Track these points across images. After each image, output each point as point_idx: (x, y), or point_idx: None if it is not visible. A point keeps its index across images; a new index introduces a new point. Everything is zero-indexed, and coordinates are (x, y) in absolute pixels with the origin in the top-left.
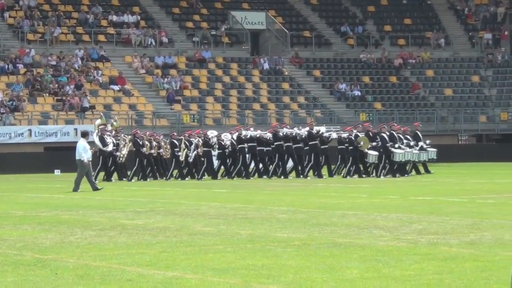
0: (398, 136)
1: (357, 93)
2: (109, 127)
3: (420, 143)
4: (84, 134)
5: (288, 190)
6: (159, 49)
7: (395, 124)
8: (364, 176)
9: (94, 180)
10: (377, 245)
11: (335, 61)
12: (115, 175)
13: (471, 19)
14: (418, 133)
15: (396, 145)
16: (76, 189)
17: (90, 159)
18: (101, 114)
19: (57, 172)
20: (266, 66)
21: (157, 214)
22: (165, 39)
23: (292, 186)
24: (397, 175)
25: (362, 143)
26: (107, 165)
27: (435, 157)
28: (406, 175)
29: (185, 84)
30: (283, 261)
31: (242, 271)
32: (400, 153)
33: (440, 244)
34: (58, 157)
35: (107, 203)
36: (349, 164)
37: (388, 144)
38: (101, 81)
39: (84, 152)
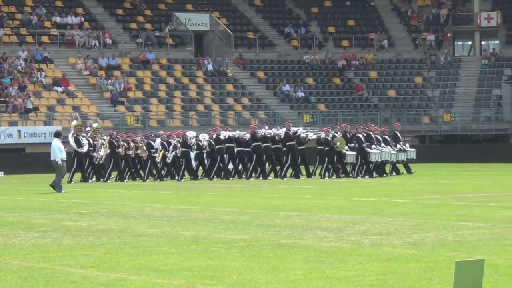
0: (376, 137)
1: (300, 94)
2: (88, 128)
3: (399, 144)
4: (58, 134)
5: (232, 191)
6: (103, 51)
7: (372, 125)
8: (342, 176)
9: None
10: (321, 246)
11: (278, 63)
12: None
13: (414, 20)
14: (398, 133)
15: (373, 146)
16: (59, 190)
17: (65, 159)
18: (77, 115)
19: (0, 173)
20: (210, 67)
21: (100, 215)
22: (109, 41)
23: (236, 187)
24: (374, 175)
25: (338, 143)
26: (83, 166)
27: (414, 157)
28: (384, 175)
29: (129, 85)
30: (227, 262)
31: (186, 272)
32: (376, 153)
33: (384, 245)
34: (1, 159)
35: (51, 205)
36: (325, 165)
37: (364, 145)
38: (44, 83)
39: (59, 152)
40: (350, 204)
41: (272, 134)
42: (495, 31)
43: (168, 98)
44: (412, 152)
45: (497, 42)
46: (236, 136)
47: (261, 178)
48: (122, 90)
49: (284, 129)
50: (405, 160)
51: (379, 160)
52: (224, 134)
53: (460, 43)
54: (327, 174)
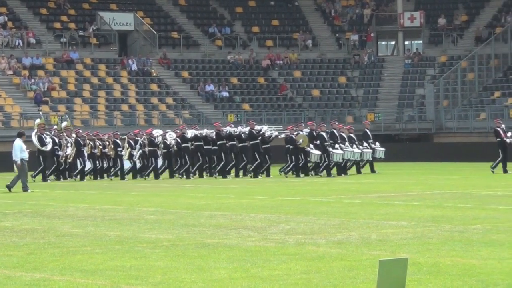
0: (341, 135)
1: (225, 94)
2: (55, 127)
3: (366, 142)
4: (21, 134)
5: (157, 191)
6: (26, 50)
7: (336, 123)
8: (302, 175)
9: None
10: (245, 246)
11: (203, 62)
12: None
13: (338, 20)
14: (367, 131)
15: (336, 145)
16: (26, 189)
17: (27, 159)
18: (41, 113)
19: None
20: (134, 67)
21: (24, 215)
22: (32, 40)
23: (161, 187)
24: (332, 175)
25: (301, 141)
26: (48, 164)
27: (383, 156)
28: (343, 175)
29: (53, 85)
30: (152, 262)
31: (110, 272)
32: (338, 153)
33: (308, 244)
34: None
35: None
36: (292, 164)
37: (327, 143)
38: None
39: (20, 152)
40: (274, 203)
41: (238, 132)
42: (418, 31)
43: (92, 98)
44: (381, 152)
45: (420, 42)
46: (204, 134)
47: (221, 177)
48: (46, 90)
49: (248, 128)
50: (370, 159)
51: (340, 160)
52: (190, 133)
53: (383, 43)
54: (290, 172)
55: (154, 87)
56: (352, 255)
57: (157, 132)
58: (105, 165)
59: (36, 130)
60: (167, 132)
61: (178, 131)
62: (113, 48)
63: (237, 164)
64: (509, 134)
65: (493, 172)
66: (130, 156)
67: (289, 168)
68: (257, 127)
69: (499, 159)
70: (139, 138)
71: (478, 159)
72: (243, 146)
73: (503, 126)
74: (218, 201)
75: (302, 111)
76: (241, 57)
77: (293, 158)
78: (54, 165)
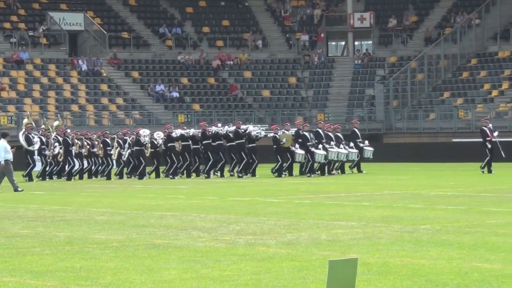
0: (326, 134)
1: (175, 94)
2: (43, 126)
3: (352, 142)
4: (5, 135)
5: (107, 192)
6: None
7: (322, 122)
8: (284, 175)
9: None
10: (195, 246)
11: (153, 62)
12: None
13: (288, 21)
14: (356, 130)
15: (320, 145)
16: (16, 189)
17: (11, 160)
18: (28, 113)
19: None
20: (84, 67)
21: None
22: None
23: (111, 188)
24: (312, 174)
25: (284, 140)
26: (35, 163)
27: (371, 156)
28: (326, 174)
29: (3, 85)
30: (102, 263)
31: (60, 273)
32: (321, 153)
33: (258, 245)
34: None
35: None
36: (280, 163)
37: (309, 143)
38: None
39: (5, 153)
40: (224, 204)
41: (225, 132)
42: (368, 32)
43: (42, 98)
44: (369, 151)
45: (370, 42)
46: (191, 134)
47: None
48: None
49: (233, 127)
50: (356, 159)
51: (323, 161)
52: (176, 132)
53: (333, 43)
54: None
55: (104, 87)
56: (302, 255)
57: (144, 132)
58: (93, 165)
59: (23, 130)
60: (155, 131)
61: (166, 131)
62: (63, 48)
63: (224, 163)
64: (495, 133)
65: (482, 172)
66: (119, 156)
67: (276, 168)
68: (243, 127)
69: (487, 159)
70: (127, 138)
71: (427, 160)
72: (231, 145)
73: (490, 125)
74: (168, 202)
75: (253, 111)
76: (192, 57)
77: (278, 157)
78: (43, 166)
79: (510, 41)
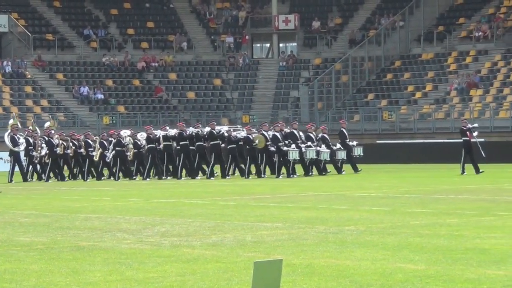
0: (307, 135)
1: (100, 96)
2: (30, 127)
3: (338, 143)
4: None
5: (31, 194)
6: None
7: (297, 123)
8: (262, 176)
9: None
10: (120, 248)
11: (78, 64)
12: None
13: (213, 23)
14: (344, 130)
15: (293, 145)
16: None
17: None
18: (13, 114)
19: None
20: (8, 69)
21: None
22: None
23: (35, 190)
24: (281, 174)
25: (257, 141)
26: (22, 165)
27: (361, 154)
28: (293, 176)
29: None
30: (26, 265)
31: None
32: (294, 151)
33: (183, 246)
34: None
35: None
36: (262, 163)
37: (281, 144)
38: None
39: None
40: (149, 205)
41: (205, 133)
42: (293, 34)
43: None
44: (359, 150)
45: (295, 44)
46: (173, 134)
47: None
48: None
49: (208, 128)
50: (328, 159)
51: (298, 158)
52: (156, 133)
53: (258, 45)
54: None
55: (28, 89)
56: (227, 257)
57: (124, 133)
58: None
59: (9, 131)
60: (138, 132)
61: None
62: None
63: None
64: (475, 134)
65: (464, 173)
66: (102, 157)
67: (245, 168)
68: (217, 128)
69: (468, 159)
70: (112, 139)
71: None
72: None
73: (469, 125)
74: (93, 204)
75: (178, 113)
76: (117, 59)
77: (249, 158)
78: (30, 166)
79: (434, 43)
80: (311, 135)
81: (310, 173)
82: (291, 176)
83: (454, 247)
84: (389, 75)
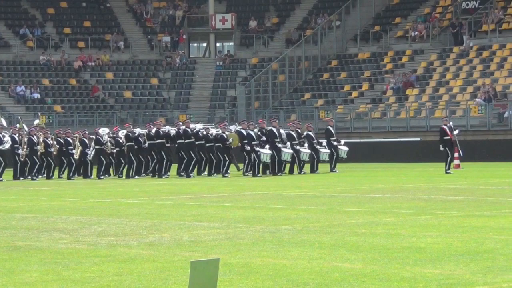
0: (289, 134)
1: (36, 95)
2: (17, 125)
3: (321, 140)
4: None
5: None
6: None
7: (276, 121)
8: (258, 175)
9: None
10: (57, 248)
11: (14, 64)
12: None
13: (150, 22)
14: (330, 128)
15: (267, 145)
16: None
17: None
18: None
19: None
20: None
21: None
22: None
23: None
24: (259, 174)
25: (231, 140)
26: (6, 162)
27: (345, 156)
28: (265, 175)
29: None
30: None
31: None
32: (266, 153)
33: (120, 246)
34: None
35: None
36: (242, 162)
37: (255, 143)
38: None
39: None
40: (86, 205)
41: (180, 131)
42: (230, 33)
43: None
44: (343, 151)
45: (232, 44)
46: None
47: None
48: None
49: (183, 127)
50: (307, 160)
51: (268, 160)
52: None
53: (195, 44)
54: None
55: None
56: (164, 256)
57: (103, 131)
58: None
59: None
60: (120, 130)
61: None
62: None
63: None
64: (455, 132)
65: (448, 172)
66: (83, 155)
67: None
68: (192, 126)
69: (449, 158)
70: (93, 137)
71: None
72: (180, 144)
73: (450, 124)
74: (30, 203)
75: (114, 112)
76: (53, 58)
77: (220, 156)
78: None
79: (370, 43)
80: (293, 133)
81: (280, 173)
82: (258, 175)
83: (390, 246)
84: (325, 75)
